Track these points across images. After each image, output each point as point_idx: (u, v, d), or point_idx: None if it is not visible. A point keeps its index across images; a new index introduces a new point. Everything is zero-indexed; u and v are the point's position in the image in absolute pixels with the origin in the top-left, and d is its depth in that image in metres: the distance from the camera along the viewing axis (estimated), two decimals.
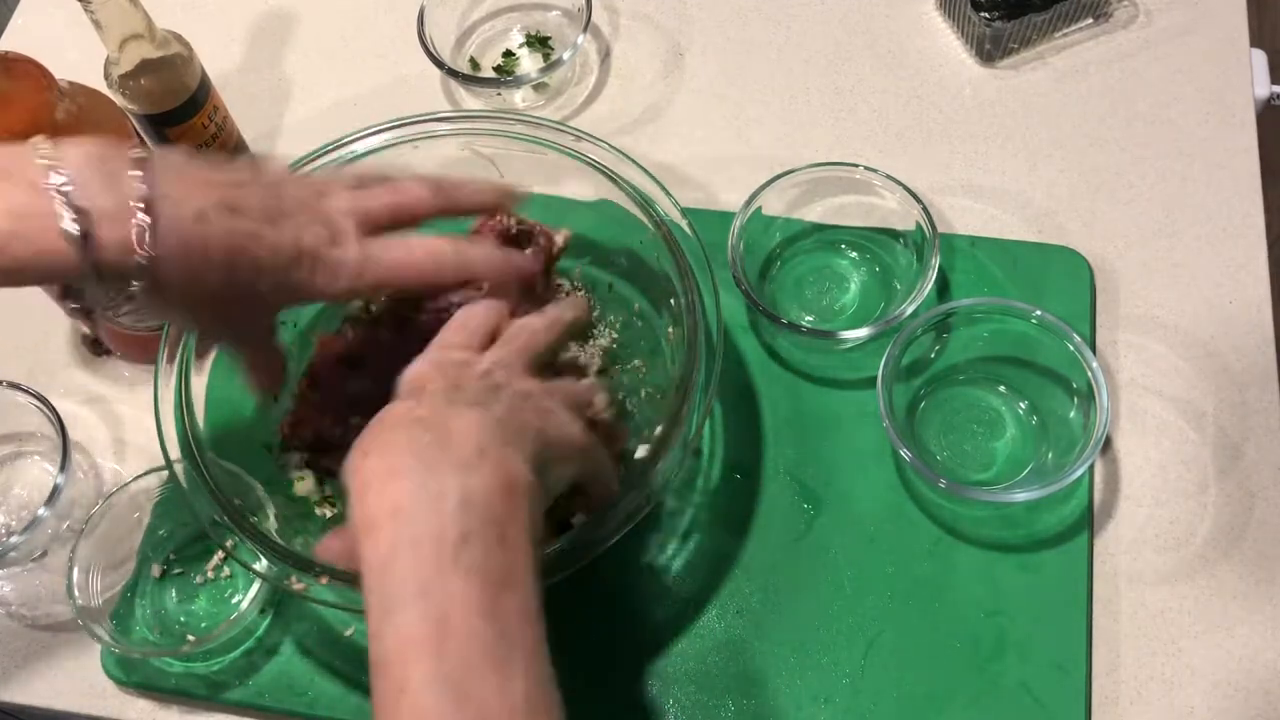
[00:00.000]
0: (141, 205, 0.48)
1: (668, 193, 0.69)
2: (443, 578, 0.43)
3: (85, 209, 0.46)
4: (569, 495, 0.58)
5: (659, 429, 0.63)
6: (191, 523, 0.73)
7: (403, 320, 0.68)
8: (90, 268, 0.47)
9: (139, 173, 0.48)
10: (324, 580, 0.60)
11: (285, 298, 0.55)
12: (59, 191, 0.46)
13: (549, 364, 0.60)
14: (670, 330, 0.70)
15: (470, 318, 0.57)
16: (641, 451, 0.65)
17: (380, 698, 0.42)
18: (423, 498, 0.44)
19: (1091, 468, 0.71)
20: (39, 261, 0.47)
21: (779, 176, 0.77)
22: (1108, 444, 0.73)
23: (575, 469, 0.54)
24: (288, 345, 0.67)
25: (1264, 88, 0.87)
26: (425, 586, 0.43)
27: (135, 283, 0.48)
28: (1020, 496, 0.67)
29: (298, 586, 0.60)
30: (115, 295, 0.50)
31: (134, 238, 0.47)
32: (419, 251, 0.56)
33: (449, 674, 0.41)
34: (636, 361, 0.73)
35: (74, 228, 0.46)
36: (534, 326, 0.58)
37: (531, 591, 0.45)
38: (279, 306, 0.57)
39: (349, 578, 0.60)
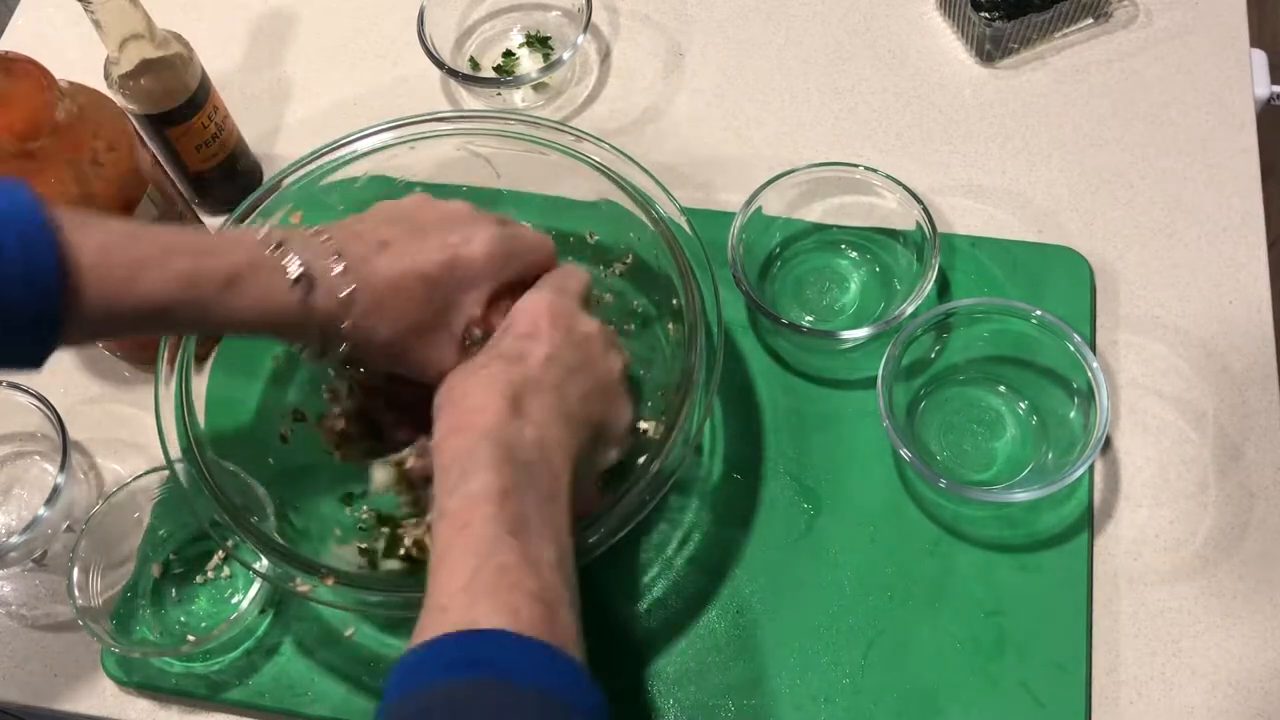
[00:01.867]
0: (336, 255, 0.56)
1: (668, 192, 0.69)
2: (511, 469, 0.52)
3: (306, 263, 0.55)
4: None
5: (660, 427, 0.63)
6: (191, 523, 0.73)
7: None
8: (308, 311, 0.55)
9: (322, 236, 0.57)
10: (329, 581, 0.60)
11: (465, 299, 0.60)
12: (285, 262, 0.55)
13: None
14: (671, 329, 0.70)
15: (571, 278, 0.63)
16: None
17: (442, 533, 0.51)
18: (509, 427, 0.53)
19: (1091, 468, 0.71)
20: (274, 304, 0.54)
21: (779, 176, 0.77)
22: (1108, 444, 0.73)
23: (618, 453, 0.62)
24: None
25: (1264, 88, 0.87)
26: (496, 468, 0.51)
27: (342, 325, 0.56)
28: (1020, 496, 0.67)
29: (302, 588, 0.60)
30: (330, 348, 0.57)
31: (340, 278, 0.56)
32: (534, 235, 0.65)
33: (506, 523, 0.50)
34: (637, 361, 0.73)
35: (299, 284, 0.55)
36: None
37: (567, 515, 0.54)
38: (465, 310, 0.61)
39: (354, 579, 0.60)
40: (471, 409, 0.54)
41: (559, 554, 0.51)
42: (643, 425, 0.66)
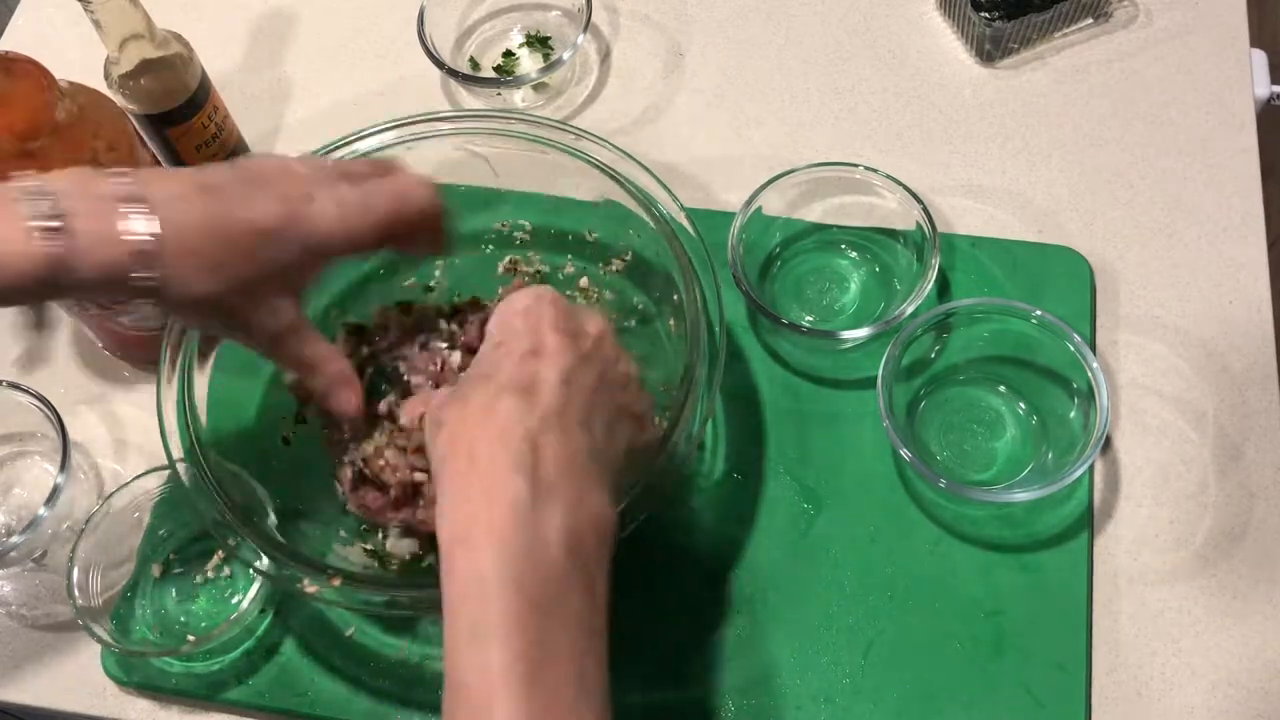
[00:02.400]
0: (133, 200, 0.48)
1: (669, 191, 0.69)
2: (540, 618, 0.42)
3: (63, 215, 0.46)
4: None
5: (664, 423, 0.63)
6: (191, 523, 0.73)
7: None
8: (60, 273, 0.47)
9: (123, 177, 0.49)
10: (335, 582, 0.60)
11: (298, 259, 0.53)
12: (33, 209, 0.46)
13: None
14: (671, 325, 0.70)
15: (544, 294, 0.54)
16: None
17: (455, 713, 0.42)
18: (530, 531, 0.43)
19: (1091, 468, 0.71)
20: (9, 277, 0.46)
21: (779, 176, 0.77)
22: (1108, 444, 0.73)
23: (637, 474, 0.54)
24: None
25: (1264, 88, 0.87)
26: (521, 623, 0.41)
27: (133, 281, 0.48)
28: (1020, 496, 0.67)
29: (310, 589, 0.60)
30: (119, 300, 0.51)
31: (128, 226, 0.47)
32: (399, 179, 0.57)
33: (537, 712, 0.41)
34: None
35: (47, 243, 0.46)
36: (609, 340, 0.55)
37: (607, 638, 0.45)
38: (298, 281, 0.55)
39: (360, 579, 0.60)
40: (481, 497, 0.44)
41: (598, 711, 0.42)
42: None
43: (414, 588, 0.60)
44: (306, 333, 0.57)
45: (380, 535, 0.66)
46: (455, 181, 0.75)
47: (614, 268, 0.75)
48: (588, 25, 0.87)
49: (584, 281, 0.75)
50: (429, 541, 0.64)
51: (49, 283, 0.47)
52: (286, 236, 0.52)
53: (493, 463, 0.45)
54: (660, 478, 0.57)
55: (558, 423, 0.46)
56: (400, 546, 0.64)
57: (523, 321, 0.51)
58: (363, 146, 0.72)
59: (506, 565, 0.42)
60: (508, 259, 0.76)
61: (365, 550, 0.66)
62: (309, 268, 0.55)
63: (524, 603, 0.42)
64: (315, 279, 0.56)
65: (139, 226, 0.48)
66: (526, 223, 0.76)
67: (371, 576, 0.63)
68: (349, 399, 0.59)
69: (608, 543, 0.46)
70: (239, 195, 0.51)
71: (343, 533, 0.67)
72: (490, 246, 0.77)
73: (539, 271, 0.76)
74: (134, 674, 0.70)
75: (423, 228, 0.58)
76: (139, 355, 0.81)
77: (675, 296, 0.68)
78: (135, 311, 0.73)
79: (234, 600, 0.71)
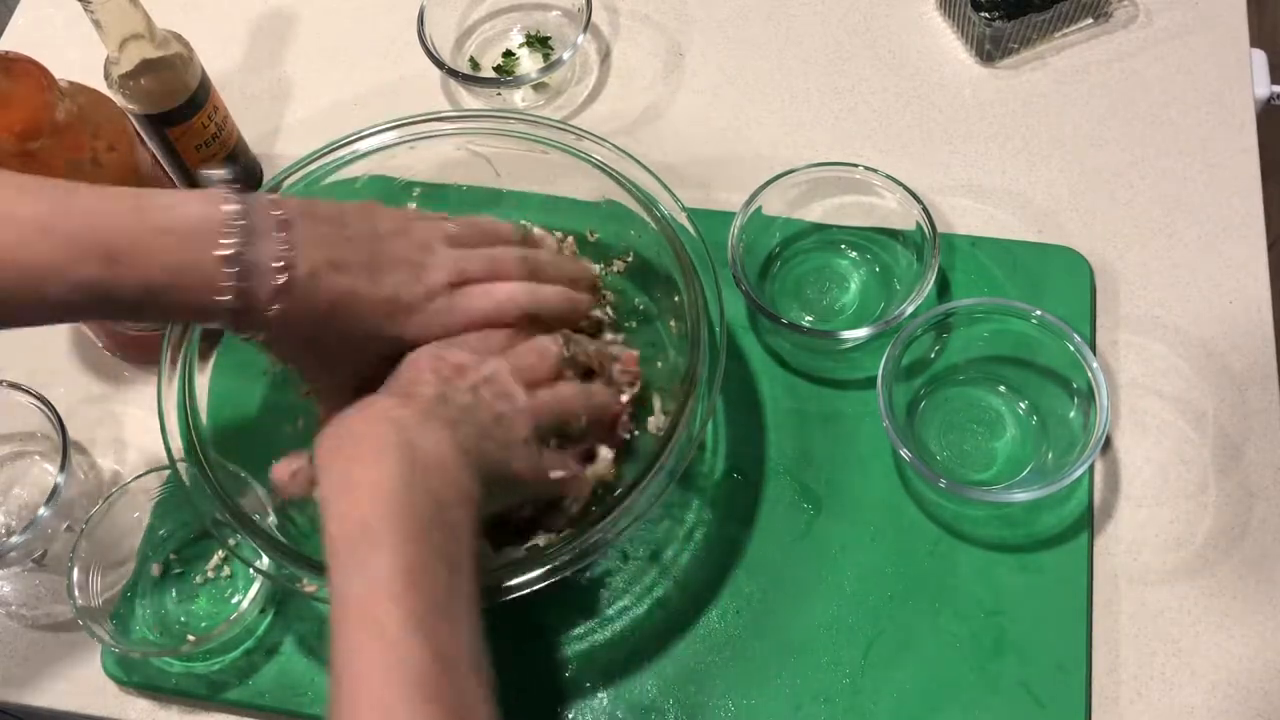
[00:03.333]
0: (282, 266, 0.53)
1: (670, 191, 0.69)
2: (412, 544, 0.48)
3: (244, 281, 0.52)
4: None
5: (668, 420, 0.63)
6: (191, 522, 0.73)
7: None
8: (234, 317, 0.53)
9: (282, 234, 0.54)
10: None
11: (377, 346, 0.59)
12: (227, 261, 0.52)
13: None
14: (673, 326, 0.70)
15: (491, 336, 0.61)
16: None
17: (342, 628, 0.47)
18: (401, 481, 0.50)
19: (1091, 468, 0.71)
20: (191, 312, 0.53)
21: (779, 176, 0.77)
22: (1108, 444, 0.73)
23: (519, 497, 0.60)
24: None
25: (1264, 88, 0.87)
26: (396, 545, 0.48)
27: (262, 332, 0.55)
28: (1020, 496, 0.67)
29: (309, 589, 0.60)
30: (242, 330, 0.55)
31: (275, 295, 0.53)
32: (501, 297, 0.61)
33: (416, 615, 0.46)
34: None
35: (230, 296, 0.52)
36: (546, 351, 0.62)
37: (473, 582, 0.50)
38: (371, 354, 0.59)
39: None
40: (362, 459, 0.51)
41: (469, 637, 0.48)
42: (655, 421, 0.66)
43: None
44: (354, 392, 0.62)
45: None
46: (457, 181, 0.75)
47: (615, 268, 0.75)
48: (588, 25, 0.87)
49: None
50: None
51: (224, 323, 0.53)
52: (379, 330, 0.58)
53: (366, 435, 0.52)
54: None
55: (424, 417, 0.53)
56: None
57: (413, 363, 0.58)
58: (363, 146, 0.72)
59: (391, 510, 0.48)
60: None
61: None
62: (395, 350, 0.60)
63: (399, 531, 0.48)
64: None
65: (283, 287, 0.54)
66: (527, 223, 0.76)
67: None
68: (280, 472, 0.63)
69: (470, 513, 0.52)
70: (359, 283, 0.56)
71: None
72: None
73: None
74: (134, 674, 0.70)
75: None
76: (139, 355, 0.81)
77: (676, 297, 0.68)
78: None
79: (234, 600, 0.71)
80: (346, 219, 0.58)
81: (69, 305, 0.50)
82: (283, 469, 0.60)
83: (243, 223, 0.52)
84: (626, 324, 0.74)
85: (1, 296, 0.50)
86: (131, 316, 0.52)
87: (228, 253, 0.52)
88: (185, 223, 0.52)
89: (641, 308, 0.74)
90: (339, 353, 0.59)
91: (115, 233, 0.50)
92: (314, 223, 0.56)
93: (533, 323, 0.62)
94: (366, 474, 0.50)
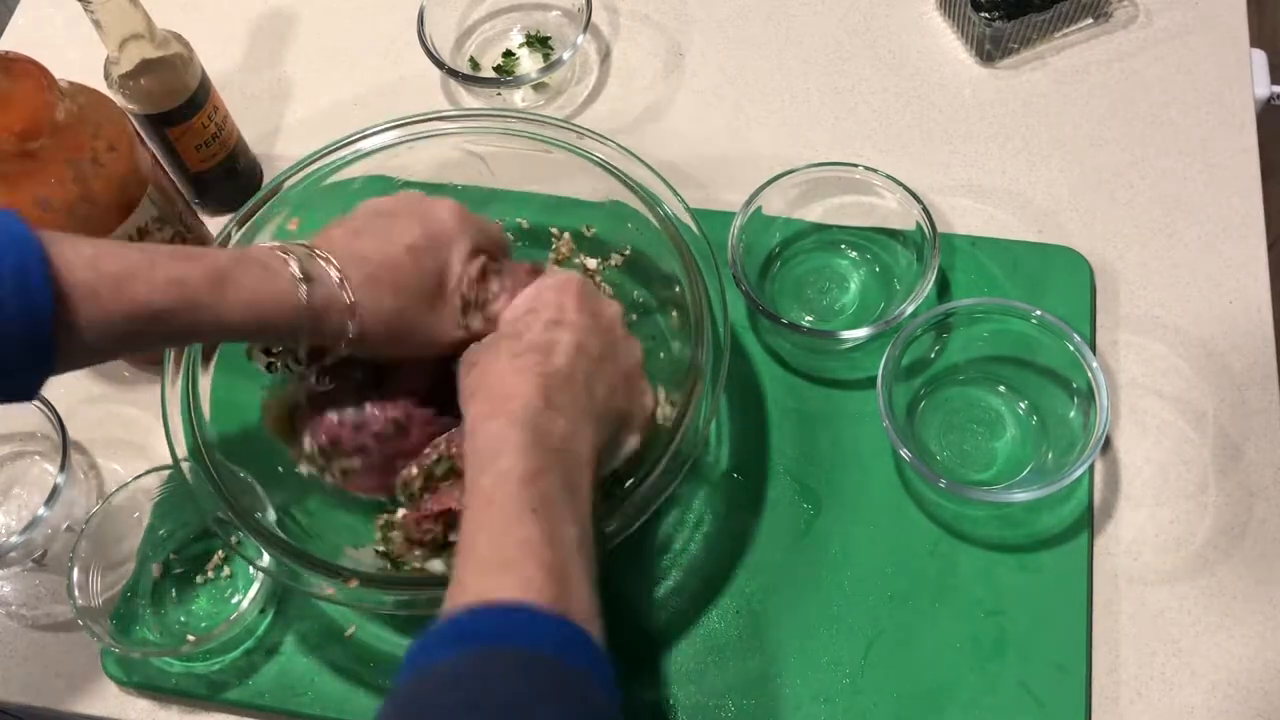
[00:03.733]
0: (325, 259, 0.58)
1: (672, 188, 0.69)
2: (540, 455, 0.53)
3: (307, 269, 0.57)
4: None
5: (672, 413, 0.63)
6: (191, 522, 0.73)
7: None
8: (310, 313, 0.56)
9: (336, 269, 0.58)
10: (353, 584, 0.60)
11: (423, 352, 0.63)
12: (301, 281, 0.56)
13: None
14: (674, 317, 0.70)
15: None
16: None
17: (472, 507, 0.52)
18: (541, 420, 0.55)
19: (1091, 468, 0.71)
20: (268, 303, 0.55)
21: (779, 176, 0.77)
22: (1108, 444, 0.73)
23: (634, 445, 0.63)
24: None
25: (1264, 88, 0.87)
26: (527, 453, 0.53)
27: (348, 329, 0.58)
28: (1020, 496, 0.67)
29: (328, 592, 0.60)
30: (332, 345, 0.59)
31: (342, 291, 0.58)
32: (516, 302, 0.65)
33: (531, 501, 0.51)
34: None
35: (302, 284, 0.56)
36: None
37: (587, 503, 0.55)
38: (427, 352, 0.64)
39: (379, 580, 0.61)
40: (507, 396, 0.56)
41: (580, 534, 0.53)
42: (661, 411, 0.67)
43: (430, 587, 0.60)
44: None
45: (395, 541, 0.66)
46: (458, 181, 0.76)
47: (613, 262, 0.75)
48: (588, 25, 0.87)
49: (592, 264, 0.75)
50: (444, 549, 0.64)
51: (293, 321, 0.56)
52: (430, 244, 0.61)
53: (516, 386, 0.56)
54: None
55: (565, 376, 0.57)
56: (433, 566, 0.64)
57: (553, 295, 0.62)
58: (364, 147, 0.72)
59: (523, 430, 0.54)
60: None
61: (378, 552, 0.66)
62: (454, 262, 0.63)
63: (534, 448, 0.53)
64: None
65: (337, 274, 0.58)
66: (523, 220, 0.76)
67: (389, 577, 0.63)
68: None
69: (589, 466, 0.56)
70: (414, 303, 0.61)
71: (352, 536, 0.67)
72: None
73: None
74: (134, 674, 0.70)
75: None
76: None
77: (676, 288, 0.68)
78: None
79: (234, 600, 0.71)
80: (341, 218, 0.63)
81: (152, 310, 0.52)
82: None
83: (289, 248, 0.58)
84: (627, 317, 0.74)
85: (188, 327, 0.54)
86: (217, 319, 0.55)
87: (287, 252, 0.57)
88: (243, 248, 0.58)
89: (641, 301, 0.74)
90: (426, 303, 0.62)
91: (185, 248, 0.56)
92: (318, 234, 0.61)
93: None
94: (515, 390, 0.56)
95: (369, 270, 0.59)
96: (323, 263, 0.57)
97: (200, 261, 0.53)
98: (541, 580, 0.48)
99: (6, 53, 0.67)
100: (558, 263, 0.74)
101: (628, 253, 0.74)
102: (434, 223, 0.62)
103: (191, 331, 0.56)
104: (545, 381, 0.56)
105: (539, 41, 0.93)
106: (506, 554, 0.49)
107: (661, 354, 0.71)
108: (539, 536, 0.50)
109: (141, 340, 0.53)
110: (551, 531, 0.51)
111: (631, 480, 0.62)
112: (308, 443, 0.64)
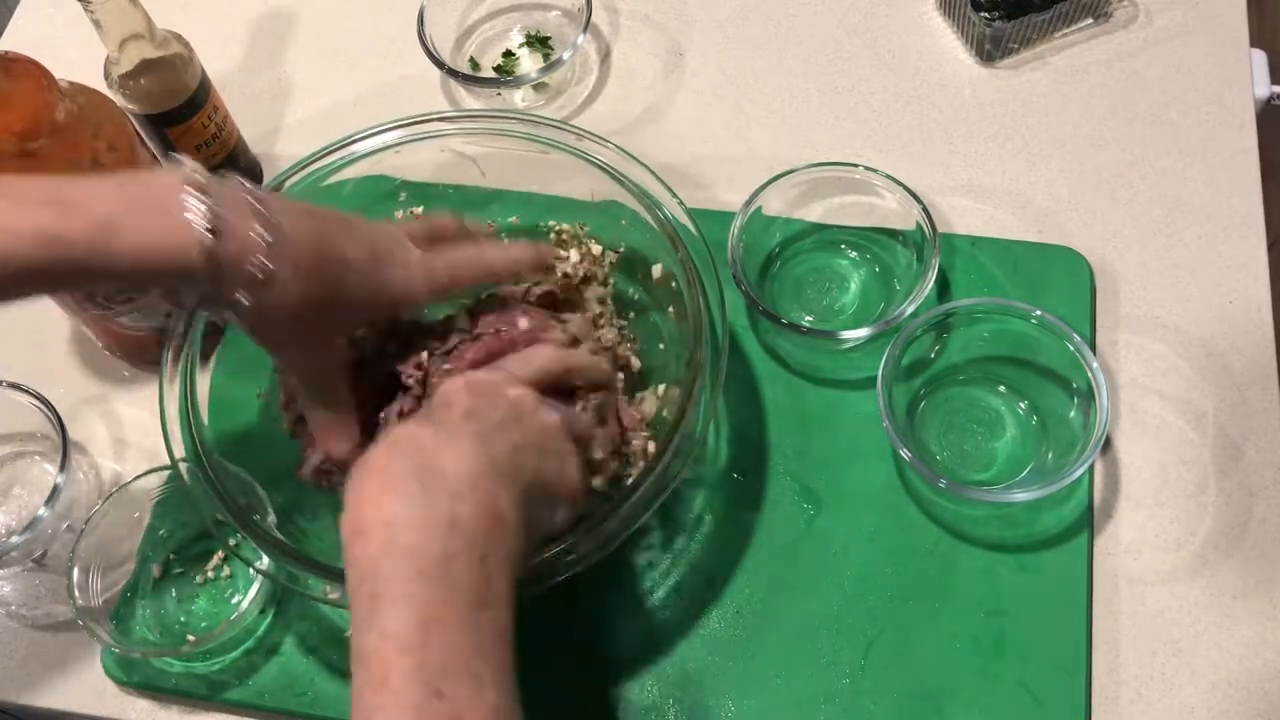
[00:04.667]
0: (258, 201, 0.53)
1: (671, 190, 0.69)
2: (427, 586, 0.45)
3: (219, 216, 0.51)
4: None
5: (674, 408, 0.63)
6: (191, 522, 0.73)
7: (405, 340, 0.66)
8: (211, 263, 0.51)
9: (252, 199, 0.53)
10: None
11: (368, 301, 0.58)
12: (192, 189, 0.51)
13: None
14: (672, 313, 0.70)
15: (536, 355, 0.61)
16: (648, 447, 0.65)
17: (361, 688, 0.44)
18: (415, 513, 0.47)
19: (1091, 468, 0.71)
20: (157, 254, 0.50)
21: (779, 176, 0.77)
22: (1108, 444, 0.73)
23: (566, 514, 0.57)
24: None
25: (1264, 88, 0.87)
26: (410, 591, 0.45)
27: (254, 273, 0.52)
28: (1020, 496, 0.67)
29: (333, 595, 0.60)
30: (218, 307, 0.54)
31: (259, 226, 0.52)
32: (470, 250, 0.63)
33: (428, 675, 0.43)
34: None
35: (206, 234, 0.50)
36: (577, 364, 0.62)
37: (507, 615, 0.48)
38: (360, 318, 0.60)
39: None
40: (374, 496, 0.48)
41: (494, 697, 0.45)
42: (596, 482, 0.62)
43: None
44: (341, 377, 0.62)
45: None
46: (458, 182, 0.76)
47: (608, 259, 0.75)
48: (588, 25, 0.87)
49: (597, 250, 0.75)
50: None
51: (199, 276, 0.51)
52: (369, 278, 0.57)
53: (382, 468, 0.49)
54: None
55: (452, 437, 0.50)
56: None
57: (445, 390, 0.56)
58: (364, 147, 0.72)
59: (394, 544, 0.46)
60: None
61: None
62: (373, 313, 0.60)
63: (415, 581, 0.45)
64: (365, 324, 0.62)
65: (265, 230, 0.53)
66: (516, 218, 0.76)
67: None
68: (342, 445, 0.62)
69: (505, 529, 0.49)
70: (338, 229, 0.56)
71: None
72: None
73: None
74: (134, 674, 0.70)
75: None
76: (139, 355, 0.81)
77: (674, 285, 0.68)
78: (142, 310, 0.73)
79: (234, 600, 0.71)
80: (306, 204, 0.59)
81: (18, 263, 0.47)
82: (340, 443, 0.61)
83: (204, 180, 0.51)
84: (626, 315, 0.74)
85: None
86: (97, 273, 0.48)
87: (196, 179, 0.51)
88: (139, 177, 0.50)
89: (636, 298, 0.74)
90: (325, 317, 0.57)
91: (63, 187, 0.49)
92: (281, 200, 0.57)
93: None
94: (378, 512, 0.47)
95: (298, 248, 0.53)
96: (254, 220, 0.52)
97: (79, 212, 0.47)
98: None
99: (6, 53, 0.67)
100: (560, 245, 0.73)
101: (622, 250, 0.74)
102: (396, 258, 0.59)
103: (64, 285, 0.51)
104: (419, 450, 0.49)
105: (539, 41, 0.93)
106: None
107: (659, 353, 0.71)
108: (414, 671, 0.43)
109: (9, 294, 0.48)
110: (456, 711, 0.43)
111: (632, 481, 0.62)
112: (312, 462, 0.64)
